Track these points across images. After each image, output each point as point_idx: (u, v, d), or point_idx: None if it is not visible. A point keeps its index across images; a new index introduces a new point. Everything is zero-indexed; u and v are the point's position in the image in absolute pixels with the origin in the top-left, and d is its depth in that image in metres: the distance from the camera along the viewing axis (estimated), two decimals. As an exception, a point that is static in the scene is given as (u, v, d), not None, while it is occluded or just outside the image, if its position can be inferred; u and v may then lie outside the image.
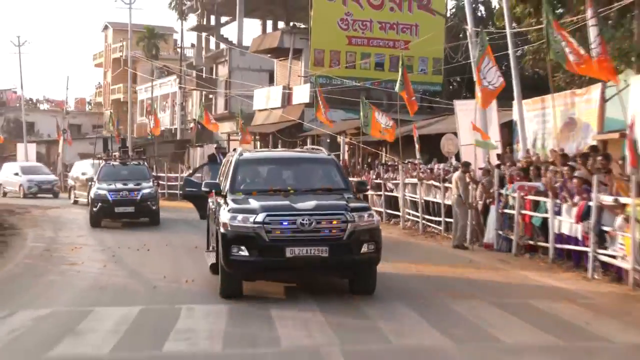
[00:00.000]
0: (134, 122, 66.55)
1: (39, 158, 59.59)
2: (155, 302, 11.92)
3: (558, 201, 15.07)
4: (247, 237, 12.04)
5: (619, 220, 12.95)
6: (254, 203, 12.48)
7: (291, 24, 53.28)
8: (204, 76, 54.90)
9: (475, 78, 20.38)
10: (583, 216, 14.05)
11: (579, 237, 14.34)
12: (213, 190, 14.02)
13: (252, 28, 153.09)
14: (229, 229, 12.14)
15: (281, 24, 55.61)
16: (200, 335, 9.50)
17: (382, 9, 39.80)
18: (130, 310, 10.99)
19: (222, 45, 54.78)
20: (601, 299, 11.74)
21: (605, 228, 13.46)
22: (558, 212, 15.12)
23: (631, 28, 21.14)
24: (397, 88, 24.93)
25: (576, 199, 14.40)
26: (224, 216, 12.37)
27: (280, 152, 20.34)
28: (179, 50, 65.75)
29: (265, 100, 44.94)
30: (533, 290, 12.58)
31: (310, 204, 12.46)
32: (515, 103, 22.23)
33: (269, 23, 57.40)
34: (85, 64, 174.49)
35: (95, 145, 48.63)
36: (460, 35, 34.71)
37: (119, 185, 25.37)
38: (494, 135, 22.40)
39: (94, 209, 25.11)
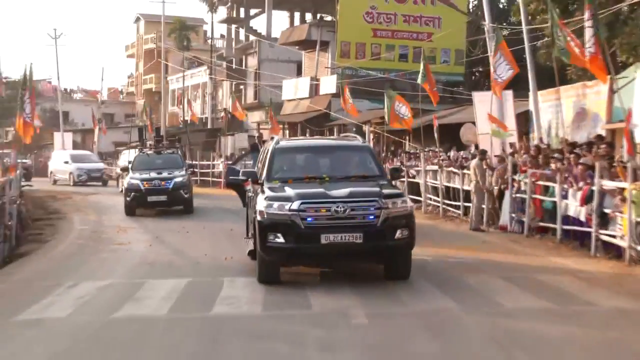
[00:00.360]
0: (166, 112, 68.16)
1: (75, 146, 60.82)
2: (200, 275, 13.16)
3: (565, 186, 16.33)
4: (283, 224, 12.18)
5: (615, 201, 14.21)
6: (289, 191, 12.62)
7: (318, 16, 54.53)
8: (233, 67, 56.25)
9: (500, 68, 21.66)
10: (587, 199, 15.21)
11: (583, 219, 15.53)
12: (250, 179, 14.21)
13: (280, 20, 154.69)
14: (265, 216, 12.30)
15: (308, 16, 56.96)
16: (242, 301, 10.84)
17: (406, 2, 40.82)
18: (179, 282, 12.31)
19: (252, 37, 56.09)
20: (598, 273, 12.90)
21: (606, 210, 14.70)
22: (565, 196, 16.34)
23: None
24: (419, 80, 26.22)
25: (580, 184, 15.58)
26: (261, 204, 12.55)
27: (315, 140, 20.27)
28: (209, 41, 67.17)
29: (294, 90, 46.12)
30: (539, 267, 13.64)
31: (345, 191, 12.54)
32: (531, 94, 23.41)
33: (297, 15, 58.64)
34: (117, 55, 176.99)
35: (130, 134, 50.20)
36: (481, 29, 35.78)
37: (152, 175, 25.28)
38: (510, 125, 23.51)
39: (128, 199, 25.26)
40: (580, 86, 22.74)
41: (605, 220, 14.76)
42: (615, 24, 22.93)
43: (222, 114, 56.36)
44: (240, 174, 15.07)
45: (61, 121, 59.43)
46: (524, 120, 25.31)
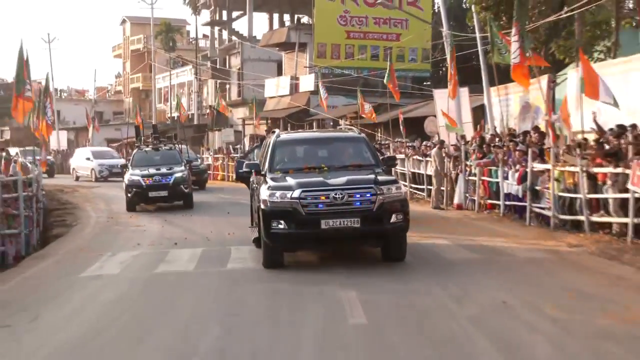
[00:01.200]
0: (155, 109, 70.68)
1: (69, 144, 63.34)
2: (211, 246, 15.81)
3: (506, 169, 19.44)
4: (285, 211, 12.57)
5: (543, 179, 17.36)
6: (290, 180, 13.00)
7: (296, 17, 57.23)
8: (217, 67, 58.97)
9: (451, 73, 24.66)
10: (522, 179, 18.38)
11: (520, 195, 18.70)
12: (253, 170, 14.66)
13: (260, 21, 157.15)
14: (269, 205, 12.70)
15: (287, 17, 59.52)
16: (248, 261, 13.57)
17: (376, 6, 43.62)
18: (195, 251, 15.05)
19: (234, 39, 58.76)
20: (526, 236, 15.85)
21: (537, 187, 17.80)
22: (506, 177, 19.42)
23: (573, 29, 25.35)
24: (385, 79, 29.29)
25: (517, 166, 18.77)
26: (264, 193, 12.93)
27: (314, 133, 20.59)
28: (192, 41, 69.81)
29: (275, 88, 48.88)
30: (483, 234, 16.39)
31: (342, 179, 12.91)
32: (484, 90, 26.48)
33: (275, 16, 61.02)
34: (104, 55, 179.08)
35: (122, 130, 52.39)
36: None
37: (152, 171, 25.06)
38: (466, 118, 26.64)
39: (129, 195, 24.91)
40: (538, 80, 25.82)
41: (537, 196, 17.89)
42: (555, 29, 25.94)
43: (208, 110, 59.03)
44: (243, 167, 15.95)
45: (56, 120, 61.81)
46: (481, 113, 28.41)
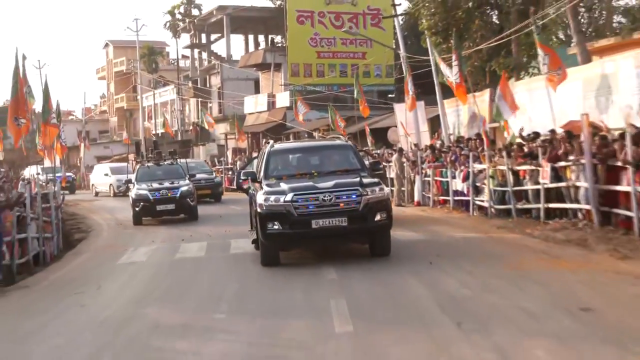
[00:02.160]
0: (137, 126, 73.60)
1: (62, 162, 65.92)
2: (214, 239, 18.80)
3: (453, 169, 22.91)
4: (280, 213, 13.24)
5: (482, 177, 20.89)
6: (283, 186, 13.67)
7: (270, 37, 60.66)
8: (199, 86, 62.15)
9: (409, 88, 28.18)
10: (466, 178, 21.90)
11: (465, 191, 22.19)
12: (250, 178, 15.65)
13: (236, 42, 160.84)
14: (264, 208, 13.39)
15: (261, 38, 62.94)
16: (247, 249, 16.26)
17: (343, 28, 46.60)
18: (202, 244, 18.13)
19: (213, 60, 61.93)
20: (468, 223, 19.33)
21: (477, 184, 21.29)
22: (454, 177, 22.91)
23: (511, 49, 28.98)
24: (355, 95, 32.83)
25: (462, 167, 22.27)
26: (260, 198, 13.60)
27: (305, 142, 21.21)
28: (172, 62, 72.93)
29: (254, 105, 52.08)
30: (435, 223, 19.71)
31: (330, 183, 13.55)
32: (438, 103, 29.97)
33: (251, 37, 64.01)
34: (88, 77, 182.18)
35: (110, 148, 55.19)
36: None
37: (157, 185, 25.18)
38: (423, 127, 30.24)
39: (137, 209, 24.86)
40: (472, 96, 29.42)
41: (478, 191, 21.39)
42: (496, 49, 29.51)
43: (191, 127, 62.18)
44: (240, 175, 17.73)
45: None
46: (437, 122, 31.94)
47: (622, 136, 14.13)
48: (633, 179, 13.18)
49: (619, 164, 13.89)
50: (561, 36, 33.02)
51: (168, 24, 66.62)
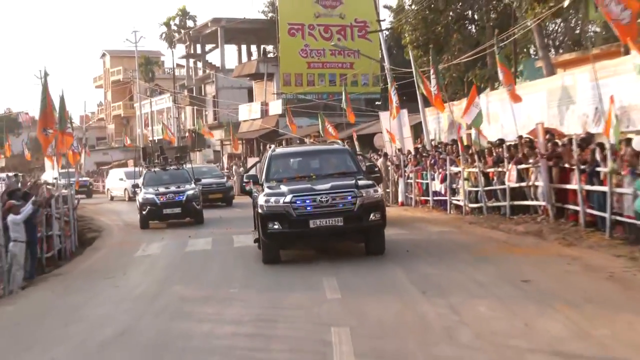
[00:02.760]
0: (134, 133, 75.60)
1: (63, 168, 67.76)
2: (217, 235, 20.74)
3: (432, 172, 25.06)
4: (279, 214, 13.70)
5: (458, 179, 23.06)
6: (283, 188, 14.12)
7: (262, 47, 62.80)
8: (194, 94, 64.18)
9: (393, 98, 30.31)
10: (444, 180, 24.04)
11: (443, 191, 24.33)
12: (252, 181, 15.95)
13: (230, 52, 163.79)
14: (265, 209, 13.89)
15: (253, 48, 64.98)
16: (249, 243, 17.65)
17: (331, 39, 48.46)
18: (207, 239, 20.09)
19: (208, 70, 63.94)
20: (445, 220, 21.42)
21: (454, 185, 23.43)
22: (433, 179, 25.07)
23: (486, 61, 31.19)
24: (343, 105, 35.00)
25: (440, 170, 24.42)
26: (261, 200, 14.10)
27: (304, 147, 21.48)
28: (167, 70, 74.96)
29: (248, 112, 54.06)
30: (416, 220, 21.70)
31: (327, 185, 14.01)
32: (420, 111, 32.14)
33: (244, 48, 66.00)
34: (84, 85, 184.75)
35: (109, 154, 56.98)
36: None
37: (163, 189, 25.37)
38: (407, 133, 32.32)
39: (144, 212, 25.09)
40: (450, 104, 31.59)
41: (454, 192, 23.55)
42: (473, 62, 31.70)
43: (187, 134, 64.18)
44: (244, 178, 17.91)
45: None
46: (420, 128, 34.09)
47: (571, 141, 16.31)
48: (579, 179, 15.37)
49: (567, 165, 16.09)
50: (532, 50, 35.15)
51: (164, 35, 68.49)
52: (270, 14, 57.96)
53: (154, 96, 72.77)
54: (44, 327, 10.76)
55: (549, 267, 12.11)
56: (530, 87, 25.03)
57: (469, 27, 34.13)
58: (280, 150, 17.45)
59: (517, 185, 18.78)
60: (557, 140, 17.49)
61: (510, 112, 22.80)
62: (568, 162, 15.95)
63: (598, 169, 14.71)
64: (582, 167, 15.23)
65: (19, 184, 26.47)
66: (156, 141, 62.78)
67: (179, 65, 75.12)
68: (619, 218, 14.07)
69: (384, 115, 33.48)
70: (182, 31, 66.35)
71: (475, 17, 33.51)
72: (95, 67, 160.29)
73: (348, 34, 50.39)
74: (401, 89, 31.72)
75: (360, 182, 14.24)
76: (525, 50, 32.43)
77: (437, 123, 32.91)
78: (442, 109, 26.30)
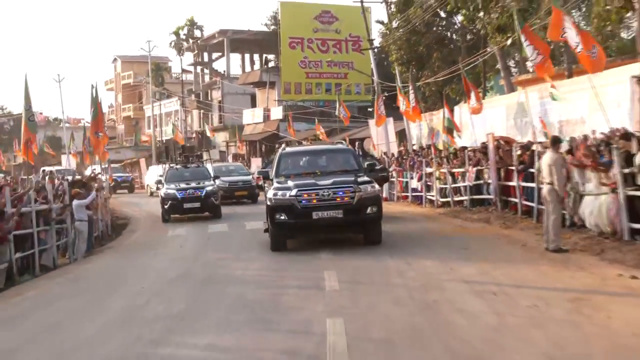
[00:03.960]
0: (143, 134, 79.28)
1: (77, 166, 71.40)
2: (232, 223, 24.20)
3: (411, 172, 28.95)
4: (286, 206, 14.53)
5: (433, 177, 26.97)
6: (290, 183, 14.94)
7: (264, 56, 66.52)
8: (201, 99, 68.02)
9: (378, 109, 34.29)
10: (420, 179, 27.92)
11: (419, 188, 28.20)
12: (263, 176, 17.67)
13: (235, 60, 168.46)
14: (273, 201, 14.77)
15: (256, 57, 68.80)
16: (259, 226, 21.55)
17: (328, 52, 52.62)
18: (224, 224, 23.61)
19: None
20: (420, 212, 25.07)
21: (429, 183, 27.28)
22: (412, 178, 28.95)
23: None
24: (337, 112, 38.95)
25: (418, 171, 28.31)
26: (270, 193, 15.03)
27: (311, 146, 21.91)
28: (174, 75, 78.63)
29: (252, 117, 57.80)
30: (397, 213, 24.92)
31: (329, 180, 14.75)
32: (404, 119, 36.08)
33: (247, 57, 69.90)
34: (96, 87, 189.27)
35: (121, 152, 60.33)
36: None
37: (184, 185, 26.08)
38: (392, 138, 36.29)
39: (165, 207, 25.87)
40: (429, 114, 35.57)
41: (429, 188, 27.40)
42: (450, 78, 35.60)
43: (194, 135, 67.93)
44: (256, 174, 21.57)
45: (67, 145, 70.23)
46: (404, 134, 38.01)
47: (525, 147, 20.27)
48: (517, 177, 19.33)
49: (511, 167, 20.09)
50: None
51: (173, 43, 72.25)
52: (272, 27, 61.84)
53: (163, 99, 76.39)
54: (125, 273, 14.68)
55: (485, 241, 15.97)
56: (493, 102, 29.00)
57: (448, 47, 37.97)
58: (289, 149, 18.26)
59: (475, 183, 22.71)
60: (506, 147, 21.40)
61: (479, 122, 26.75)
62: (510, 164, 19.89)
63: (530, 169, 18.62)
64: (519, 167, 19.18)
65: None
66: (164, 142, 66.64)
67: (185, 71, 78.84)
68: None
69: (372, 122, 37.37)
70: (191, 40, 70.04)
71: (454, 37, 37.44)
72: (107, 71, 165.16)
73: (343, 47, 54.27)
74: (390, 99, 35.63)
75: (360, 179, 15.04)
76: (494, 68, 36.37)
77: (419, 130, 36.70)
78: (420, 119, 30.21)
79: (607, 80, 19.82)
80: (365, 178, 15.33)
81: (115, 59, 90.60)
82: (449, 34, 38.25)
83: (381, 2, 38.17)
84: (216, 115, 65.59)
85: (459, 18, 34.72)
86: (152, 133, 68.76)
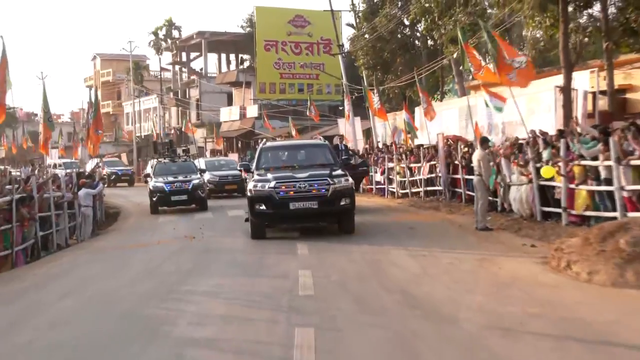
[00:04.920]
0: (122, 129, 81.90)
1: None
2: (216, 212, 27.56)
3: (376, 167, 32.17)
4: (265, 197, 15.19)
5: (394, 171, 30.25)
6: (269, 175, 15.58)
7: (240, 56, 69.05)
8: (179, 97, 70.76)
9: (346, 108, 37.51)
10: (383, 173, 31.15)
11: (382, 182, 31.40)
12: (244, 169, 19.25)
13: (212, 59, 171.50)
14: (253, 192, 15.46)
15: (232, 57, 71.57)
16: (240, 214, 24.62)
17: (301, 54, 55.67)
18: (209, 214, 26.55)
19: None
20: (382, 202, 28.21)
21: (390, 177, 30.56)
22: (376, 172, 32.15)
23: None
24: (308, 112, 42.13)
25: (381, 166, 31.53)
26: (250, 185, 15.79)
27: (290, 141, 22.73)
28: (153, 73, 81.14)
29: (228, 114, 60.61)
30: (363, 202, 27.80)
31: (306, 173, 15.41)
32: (370, 118, 39.26)
33: (223, 56, 72.55)
34: (72, 83, 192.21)
35: (101, 147, 63.20)
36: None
37: (172, 178, 26.87)
38: (359, 136, 39.50)
39: (154, 199, 26.62)
40: (393, 114, 38.78)
41: (391, 182, 30.66)
42: (412, 82, 38.84)
43: (172, 131, 70.66)
44: (238, 167, 23.19)
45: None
46: (371, 132, 41.18)
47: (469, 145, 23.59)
48: (461, 171, 22.64)
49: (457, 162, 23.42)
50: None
51: (152, 43, 74.73)
52: (248, 29, 64.63)
53: (142, 97, 78.87)
54: (133, 247, 17.71)
55: (431, 224, 19.14)
56: (447, 105, 32.37)
57: (411, 53, 41.24)
58: (270, 143, 19.01)
59: (429, 176, 26.00)
60: (453, 146, 24.70)
61: (435, 122, 29.99)
62: (458, 160, 23.22)
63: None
64: (463, 163, 22.50)
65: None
66: (143, 137, 69.25)
67: (163, 69, 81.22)
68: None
69: (341, 121, 40.59)
70: (169, 40, 72.62)
71: (416, 44, 40.77)
72: (86, 68, 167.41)
73: (315, 50, 57.35)
74: (359, 100, 38.80)
75: (334, 172, 15.76)
76: (451, 73, 39.74)
77: (384, 129, 39.90)
78: (385, 119, 33.45)
79: (539, 88, 23.25)
80: (340, 172, 16.06)
81: (94, 57, 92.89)
82: (411, 40, 41.46)
83: (349, 12, 41.36)
84: (194, 112, 68.26)
85: (422, 26, 38.00)
86: (133, 129, 71.36)
